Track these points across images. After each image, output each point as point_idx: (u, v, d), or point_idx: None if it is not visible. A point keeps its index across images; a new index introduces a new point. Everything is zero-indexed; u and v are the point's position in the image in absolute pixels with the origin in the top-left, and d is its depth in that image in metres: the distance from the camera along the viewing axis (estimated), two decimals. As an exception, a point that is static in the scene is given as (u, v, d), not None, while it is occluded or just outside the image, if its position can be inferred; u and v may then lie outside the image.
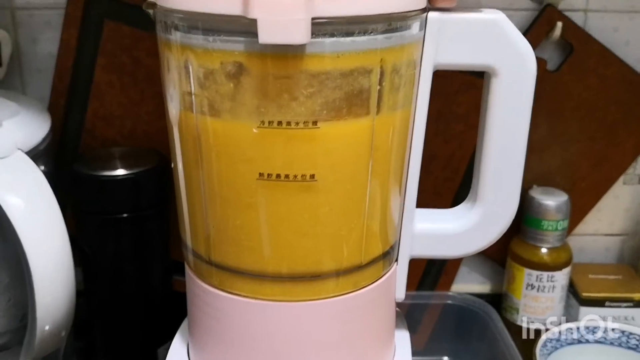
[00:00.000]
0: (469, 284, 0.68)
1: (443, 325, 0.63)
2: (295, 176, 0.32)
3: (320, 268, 0.35)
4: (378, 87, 0.32)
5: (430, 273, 0.65)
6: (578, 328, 0.59)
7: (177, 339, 0.44)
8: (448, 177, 0.61)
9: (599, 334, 0.59)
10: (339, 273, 0.36)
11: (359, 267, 0.36)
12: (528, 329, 0.62)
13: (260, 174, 0.32)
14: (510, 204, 0.39)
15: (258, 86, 0.31)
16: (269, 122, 0.31)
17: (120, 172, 0.52)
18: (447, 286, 0.66)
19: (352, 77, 0.32)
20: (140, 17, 0.54)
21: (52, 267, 0.43)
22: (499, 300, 0.65)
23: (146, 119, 0.58)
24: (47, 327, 0.44)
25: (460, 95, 0.58)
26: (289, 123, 0.31)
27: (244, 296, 0.36)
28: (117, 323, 0.57)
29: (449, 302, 0.63)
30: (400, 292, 0.40)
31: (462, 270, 0.67)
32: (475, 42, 0.36)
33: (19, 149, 0.44)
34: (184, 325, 0.44)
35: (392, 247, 0.39)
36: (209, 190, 0.34)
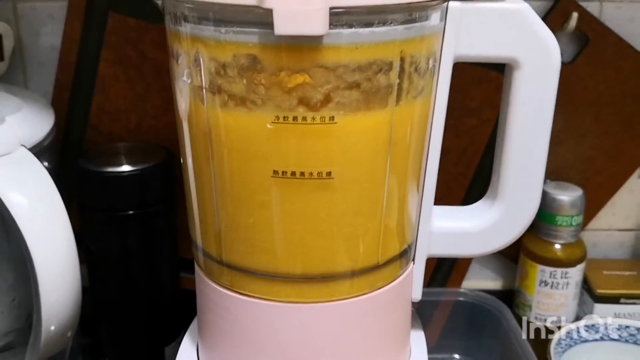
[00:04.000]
0: (481, 280, 0.67)
1: (454, 322, 0.63)
2: (311, 173, 0.31)
3: (335, 268, 0.34)
4: (397, 80, 0.31)
5: (441, 269, 0.64)
6: (593, 325, 0.58)
7: (186, 338, 0.43)
8: (460, 172, 0.59)
9: (614, 332, 0.58)
10: (355, 273, 0.35)
11: (375, 267, 0.35)
12: (541, 327, 0.61)
13: (275, 172, 0.31)
14: (532, 202, 0.38)
15: (272, 80, 0.30)
16: (284, 118, 0.30)
17: (126, 167, 0.51)
18: (459, 282, 0.65)
19: (370, 70, 0.30)
20: (145, 8, 0.54)
21: (58, 266, 0.42)
22: (511, 296, 0.64)
23: (152, 113, 0.56)
24: (52, 328, 0.43)
25: (473, 89, 0.56)
26: (304, 118, 0.30)
27: (256, 297, 0.35)
28: (123, 321, 0.56)
29: (461, 298, 0.63)
30: (416, 292, 0.39)
31: (474, 267, 0.66)
32: (497, 33, 0.35)
33: (22, 145, 0.43)
34: (193, 324, 0.43)
35: (409, 246, 0.37)
36: (220, 188, 0.33)
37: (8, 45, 0.55)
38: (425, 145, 0.36)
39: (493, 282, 0.67)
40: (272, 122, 0.30)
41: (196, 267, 0.38)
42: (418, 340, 0.42)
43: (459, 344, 0.63)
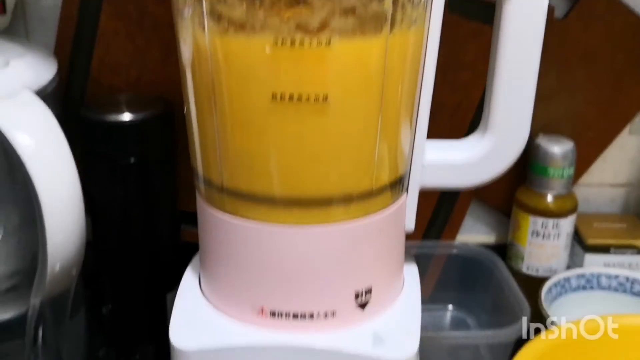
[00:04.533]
0: (474, 235, 0.68)
1: (448, 275, 0.64)
2: (308, 97, 0.32)
3: (330, 193, 0.35)
4: (392, 9, 0.32)
5: (435, 223, 0.65)
6: (583, 275, 0.60)
7: (188, 270, 0.44)
8: (454, 127, 0.60)
9: (604, 281, 0.60)
10: (349, 199, 0.36)
11: (369, 194, 0.36)
12: (533, 277, 0.62)
13: (274, 95, 0.32)
14: (522, 130, 0.39)
15: (271, 4, 0.31)
16: (282, 42, 0.31)
17: (128, 116, 0.52)
18: (452, 236, 0.67)
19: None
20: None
21: (63, 204, 0.42)
22: (504, 251, 0.65)
23: (152, 67, 0.57)
24: (57, 266, 0.44)
25: (467, 43, 0.57)
26: (302, 42, 0.31)
27: (256, 221, 0.36)
28: (125, 271, 0.57)
29: (454, 251, 0.64)
30: (410, 223, 0.41)
31: (467, 221, 0.67)
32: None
33: (26, 88, 0.44)
34: (194, 260, 0.45)
35: (402, 177, 0.39)
36: (221, 114, 0.34)
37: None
38: (418, 77, 0.37)
39: (486, 237, 0.69)
40: (271, 47, 0.31)
41: (198, 198, 0.40)
42: (412, 275, 0.44)
43: (453, 296, 0.64)
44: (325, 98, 0.32)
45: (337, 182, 0.35)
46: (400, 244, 0.40)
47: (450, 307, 0.65)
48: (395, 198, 0.38)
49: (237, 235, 0.36)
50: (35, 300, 0.46)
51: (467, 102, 0.59)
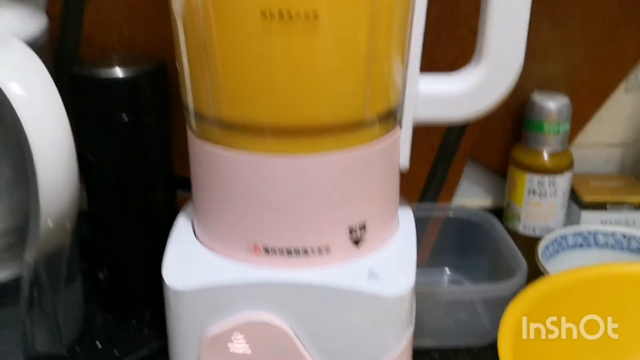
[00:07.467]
0: (471, 198, 0.68)
1: (445, 237, 0.63)
2: (297, 13, 0.32)
3: (321, 121, 0.35)
4: None
5: (431, 187, 0.65)
6: (580, 232, 0.60)
7: (181, 216, 0.44)
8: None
9: (601, 238, 0.60)
10: (340, 128, 0.36)
11: (361, 124, 0.36)
12: (530, 236, 0.62)
13: (262, 12, 0.32)
14: (515, 60, 0.39)
15: None
16: None
17: (120, 73, 0.51)
18: (449, 199, 0.67)
19: None
20: None
21: (55, 154, 0.42)
22: (500, 214, 0.65)
23: (145, 25, 0.57)
24: (51, 218, 0.43)
25: (461, -1, 0.57)
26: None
27: (246, 152, 0.35)
28: (121, 237, 0.57)
29: (451, 214, 0.63)
30: (404, 159, 0.40)
31: (463, 184, 0.67)
32: None
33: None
34: (187, 205, 0.44)
35: (395, 108, 0.38)
36: (209, 40, 0.34)
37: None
38: (410, 6, 0.37)
39: (482, 200, 0.69)
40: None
41: (189, 134, 0.39)
42: (406, 218, 0.43)
43: (450, 259, 0.64)
44: (316, 15, 0.32)
45: (328, 110, 0.35)
46: (394, 180, 0.40)
47: (447, 269, 0.64)
48: (388, 130, 0.38)
49: (227, 167, 0.36)
50: (29, 257, 0.46)
51: (462, 57, 0.59)
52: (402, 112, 0.40)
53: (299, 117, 0.35)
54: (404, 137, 0.40)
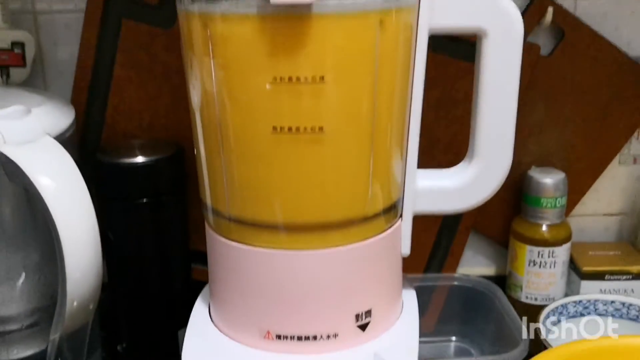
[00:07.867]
0: (474, 267, 0.70)
1: (451, 306, 0.65)
2: (305, 128, 0.35)
3: (329, 219, 0.38)
4: (378, 50, 0.36)
5: (436, 256, 0.68)
6: (580, 301, 0.62)
7: (198, 302, 0.46)
8: (450, 161, 0.62)
9: (600, 307, 0.61)
10: (347, 224, 0.39)
11: (365, 219, 0.39)
12: (532, 305, 0.64)
13: (274, 128, 0.35)
14: (505, 158, 0.42)
15: (269, 46, 0.35)
16: (280, 79, 0.35)
17: (140, 159, 0.55)
18: (453, 269, 0.69)
19: (354, 33, 0.35)
20: (156, 15, 0.58)
21: (81, 242, 0.45)
22: (503, 281, 0.67)
23: (163, 112, 0.61)
24: (76, 300, 0.46)
25: (457, 82, 0.60)
26: (298, 79, 0.35)
27: (260, 247, 0.39)
28: (139, 310, 0.59)
29: (456, 283, 0.66)
30: (405, 247, 0.43)
31: (467, 254, 0.70)
32: (466, 5, 0.40)
33: (47, 134, 0.47)
34: (204, 291, 0.47)
35: (396, 202, 0.42)
36: (227, 148, 0.38)
37: (29, 53, 0.60)
38: (406, 114, 0.41)
39: (486, 268, 0.71)
40: (270, 83, 0.35)
41: (207, 228, 0.42)
42: (410, 298, 0.46)
43: (456, 327, 0.66)
44: (321, 129, 0.36)
45: (335, 208, 0.38)
46: (397, 267, 0.43)
47: (453, 338, 0.66)
48: (390, 223, 0.41)
49: (243, 261, 0.39)
50: (54, 336, 0.48)
51: (461, 136, 0.62)
52: (402, 204, 0.43)
53: (308, 216, 0.38)
54: (404, 227, 0.43)
